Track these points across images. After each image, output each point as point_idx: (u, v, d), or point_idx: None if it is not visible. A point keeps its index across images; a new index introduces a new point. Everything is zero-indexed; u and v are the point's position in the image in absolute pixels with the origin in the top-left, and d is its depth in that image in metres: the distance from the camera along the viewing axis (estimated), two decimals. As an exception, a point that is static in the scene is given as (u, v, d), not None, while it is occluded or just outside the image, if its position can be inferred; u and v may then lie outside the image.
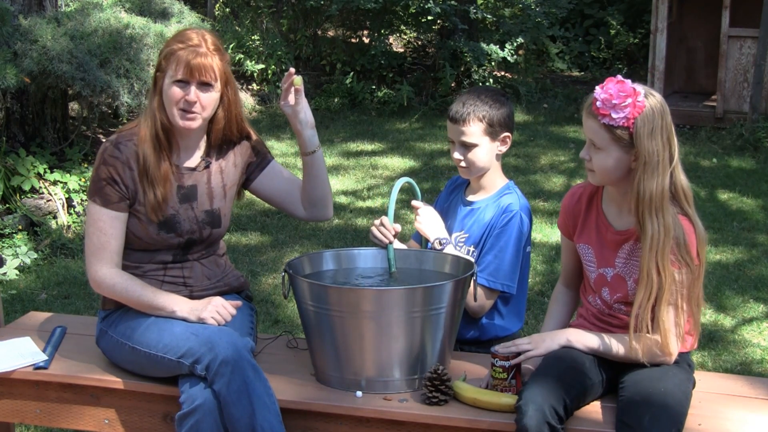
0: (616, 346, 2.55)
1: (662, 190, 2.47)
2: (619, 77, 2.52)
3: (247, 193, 3.04)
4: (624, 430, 2.37)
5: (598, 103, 2.50)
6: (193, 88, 2.70)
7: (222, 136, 2.85)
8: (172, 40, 2.75)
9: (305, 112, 2.86)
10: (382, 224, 2.91)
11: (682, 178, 2.53)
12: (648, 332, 2.50)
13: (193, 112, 2.72)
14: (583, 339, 2.58)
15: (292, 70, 2.80)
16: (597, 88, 2.52)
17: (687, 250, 2.47)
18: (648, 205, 2.46)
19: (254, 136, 2.96)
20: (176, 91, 2.70)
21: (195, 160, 2.85)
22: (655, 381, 2.46)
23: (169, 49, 2.72)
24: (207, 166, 2.86)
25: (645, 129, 2.47)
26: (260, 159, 2.96)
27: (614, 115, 2.47)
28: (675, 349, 2.52)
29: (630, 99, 2.47)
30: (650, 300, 2.47)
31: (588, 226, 2.70)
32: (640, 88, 2.50)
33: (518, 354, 2.58)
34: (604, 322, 2.66)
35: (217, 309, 2.71)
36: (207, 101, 2.73)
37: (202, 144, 2.86)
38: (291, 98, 2.81)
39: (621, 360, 2.56)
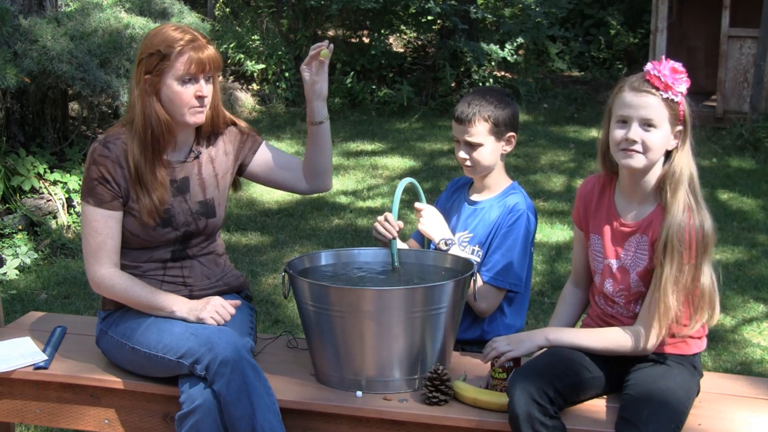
0: (593, 340, 2.55)
1: (694, 173, 2.49)
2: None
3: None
4: (623, 424, 2.37)
5: (663, 77, 2.45)
6: (202, 82, 2.71)
7: (210, 125, 2.85)
8: (164, 41, 2.68)
9: (321, 84, 2.88)
10: (386, 220, 2.91)
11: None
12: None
13: (203, 106, 2.73)
14: (562, 336, 2.58)
15: (327, 43, 2.83)
16: (649, 64, 2.49)
17: (683, 243, 2.44)
18: (680, 184, 2.45)
19: (240, 122, 2.96)
20: (187, 89, 2.70)
21: (185, 152, 2.84)
22: (657, 379, 2.47)
23: (170, 50, 2.67)
24: (197, 157, 2.85)
25: (690, 107, 2.49)
26: (251, 142, 2.96)
27: (677, 89, 2.46)
28: (654, 340, 2.50)
29: (684, 76, 2.47)
30: (662, 281, 2.44)
31: (599, 215, 2.67)
32: None
33: (497, 357, 2.58)
34: (607, 324, 2.64)
35: (216, 309, 2.70)
36: (211, 92, 2.76)
37: (192, 135, 2.86)
38: (313, 66, 2.84)
39: (604, 353, 2.54)
